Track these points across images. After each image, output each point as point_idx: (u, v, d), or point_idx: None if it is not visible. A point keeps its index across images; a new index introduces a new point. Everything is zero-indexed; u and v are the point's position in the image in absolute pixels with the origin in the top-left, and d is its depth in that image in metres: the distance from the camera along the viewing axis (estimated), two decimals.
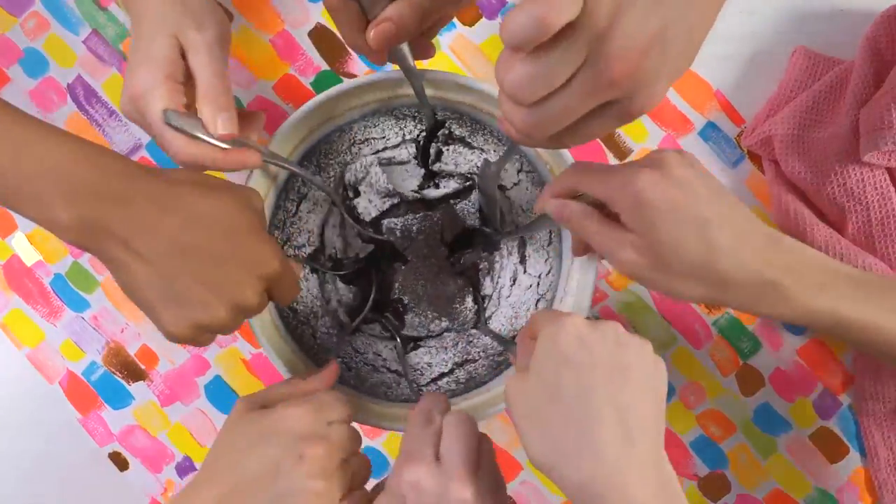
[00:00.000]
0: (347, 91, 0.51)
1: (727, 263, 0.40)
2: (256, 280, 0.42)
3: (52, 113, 0.64)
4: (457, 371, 0.56)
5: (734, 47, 0.63)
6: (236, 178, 0.49)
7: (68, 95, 0.64)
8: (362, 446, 0.48)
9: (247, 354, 0.65)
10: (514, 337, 0.56)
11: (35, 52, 0.64)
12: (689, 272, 0.40)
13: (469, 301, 0.56)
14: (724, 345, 0.64)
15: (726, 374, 0.64)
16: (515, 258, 0.57)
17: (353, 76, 0.65)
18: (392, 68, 0.64)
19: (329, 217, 0.56)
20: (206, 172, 0.44)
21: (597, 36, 0.30)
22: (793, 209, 0.60)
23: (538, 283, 0.56)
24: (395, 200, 0.56)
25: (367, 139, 0.55)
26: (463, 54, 0.64)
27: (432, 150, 0.55)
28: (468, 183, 0.56)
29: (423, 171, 0.56)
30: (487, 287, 0.58)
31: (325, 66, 0.64)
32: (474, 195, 0.56)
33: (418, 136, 0.55)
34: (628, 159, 0.64)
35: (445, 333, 0.57)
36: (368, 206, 0.55)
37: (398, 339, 0.56)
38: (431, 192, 0.56)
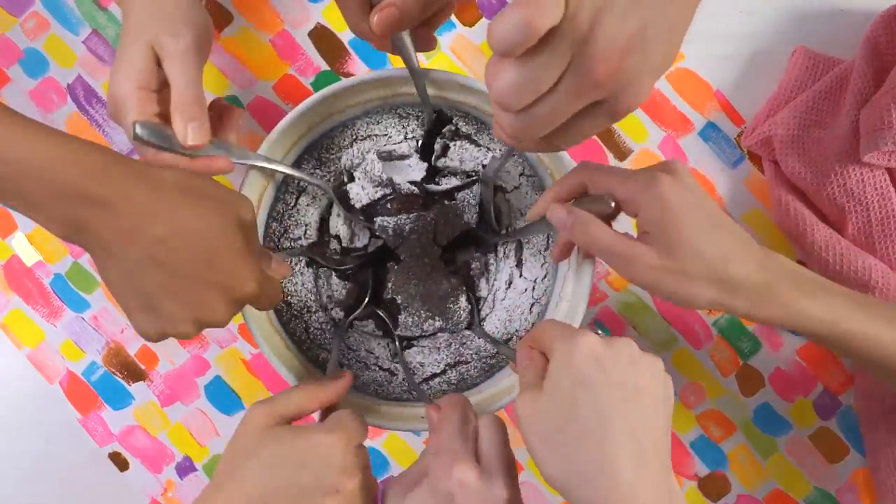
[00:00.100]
0: (348, 88, 0.51)
1: (738, 267, 0.41)
2: (228, 302, 0.42)
3: (52, 113, 0.64)
4: (449, 372, 0.56)
5: (734, 47, 0.63)
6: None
7: (68, 95, 0.64)
8: None
9: (247, 355, 0.65)
10: (507, 340, 0.56)
11: (35, 52, 0.64)
12: (704, 276, 0.41)
13: (463, 301, 0.56)
14: (724, 345, 0.64)
15: (726, 374, 0.64)
16: (512, 261, 0.57)
17: (352, 76, 0.65)
18: (392, 66, 0.65)
19: (333, 207, 0.56)
20: (197, 173, 0.43)
21: (579, 39, 0.31)
22: (793, 209, 0.60)
23: (533, 288, 0.56)
24: (388, 191, 0.55)
25: (369, 135, 0.55)
26: (463, 54, 0.64)
27: (438, 146, 0.55)
28: (471, 179, 0.56)
29: (425, 165, 0.55)
30: (483, 289, 0.58)
31: (324, 66, 0.64)
32: (476, 188, 0.56)
33: (422, 134, 0.55)
34: (628, 159, 0.64)
35: (439, 334, 0.57)
36: (361, 192, 0.54)
37: (396, 339, 0.56)
38: (433, 186, 0.56)
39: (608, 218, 0.45)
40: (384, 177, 0.54)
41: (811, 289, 0.43)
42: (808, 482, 0.64)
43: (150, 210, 0.38)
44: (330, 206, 0.56)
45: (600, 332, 0.62)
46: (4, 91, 0.64)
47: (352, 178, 0.55)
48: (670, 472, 0.38)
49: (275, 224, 0.55)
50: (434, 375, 0.56)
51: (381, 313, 0.56)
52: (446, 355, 0.56)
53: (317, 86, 0.65)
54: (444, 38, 0.64)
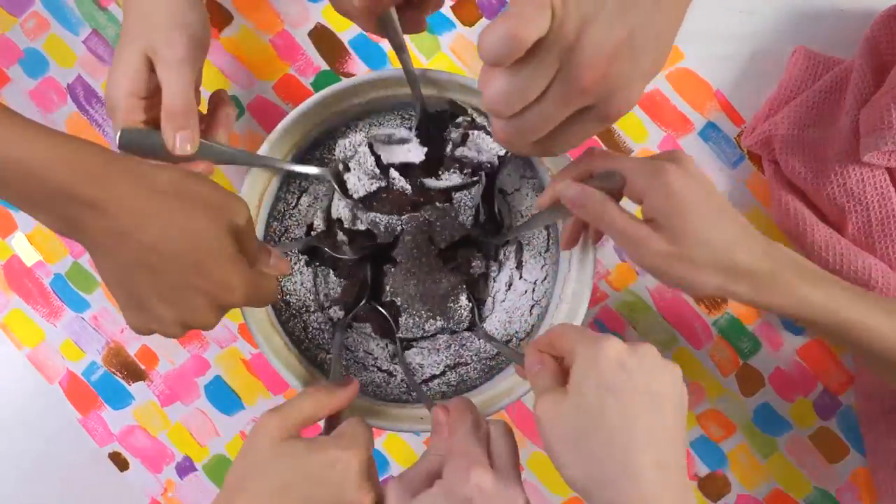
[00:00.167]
0: (347, 89, 0.50)
1: (743, 255, 0.42)
2: (214, 308, 0.42)
3: (52, 113, 0.64)
4: (448, 373, 0.56)
5: (734, 47, 0.63)
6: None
7: (68, 95, 0.64)
8: None
9: (247, 355, 0.65)
10: (507, 342, 0.56)
11: (35, 52, 0.64)
12: (710, 262, 0.42)
13: (463, 299, 0.56)
14: (724, 345, 0.64)
15: (726, 374, 0.64)
16: (512, 263, 0.57)
17: (352, 76, 0.65)
18: (392, 66, 0.65)
19: (335, 193, 0.56)
20: (194, 173, 0.43)
21: (566, 48, 0.32)
22: (793, 209, 0.60)
23: (533, 290, 0.56)
24: (383, 183, 0.54)
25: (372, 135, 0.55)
26: (463, 54, 0.64)
27: (457, 135, 0.54)
28: (474, 178, 0.55)
29: (424, 150, 0.54)
30: (482, 290, 0.58)
31: (324, 66, 0.64)
32: (475, 190, 0.55)
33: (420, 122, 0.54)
34: None
35: (439, 335, 0.57)
36: (357, 183, 0.54)
37: (397, 340, 0.56)
38: (433, 183, 0.55)
39: (616, 196, 0.45)
40: (377, 171, 0.54)
41: (813, 278, 0.44)
42: (808, 482, 0.64)
43: (141, 214, 0.38)
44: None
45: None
46: (4, 91, 0.64)
47: (347, 169, 0.55)
48: (687, 479, 0.39)
49: (276, 223, 0.55)
50: (433, 377, 0.56)
51: (381, 309, 0.56)
52: (446, 357, 0.56)
53: (317, 86, 0.65)
54: (445, 38, 0.64)
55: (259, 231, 0.53)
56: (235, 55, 0.64)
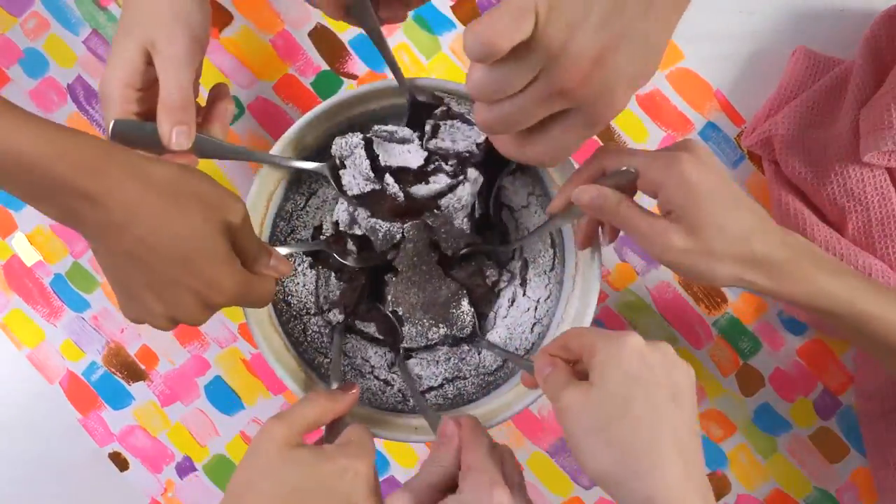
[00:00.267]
0: (349, 100, 0.51)
1: (761, 244, 0.42)
2: (202, 306, 0.42)
3: (52, 113, 0.64)
4: (446, 386, 0.56)
5: (734, 47, 0.63)
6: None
7: (68, 95, 0.64)
8: None
9: (247, 355, 0.65)
10: (506, 360, 0.56)
11: (35, 52, 0.64)
12: (728, 253, 0.42)
13: (465, 305, 0.55)
14: (724, 345, 0.64)
15: (726, 374, 0.64)
16: (517, 280, 0.57)
17: (353, 76, 0.65)
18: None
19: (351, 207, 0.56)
20: (192, 169, 0.43)
21: (550, 52, 0.32)
22: (793, 209, 0.60)
23: (536, 308, 0.56)
24: (377, 186, 0.53)
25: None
26: (463, 54, 0.64)
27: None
28: (456, 180, 0.55)
29: (424, 154, 0.54)
30: (487, 303, 0.57)
31: (325, 67, 0.64)
32: (461, 189, 0.54)
33: (428, 131, 0.54)
34: None
35: (439, 347, 0.56)
36: (352, 181, 0.54)
37: (400, 349, 0.56)
38: (420, 190, 0.54)
39: (630, 190, 0.45)
40: (371, 174, 0.53)
41: (830, 268, 0.44)
42: (808, 482, 0.64)
43: (134, 208, 0.38)
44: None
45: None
46: (4, 91, 0.64)
47: (343, 166, 0.54)
48: (705, 472, 0.39)
49: (282, 223, 0.55)
50: (431, 389, 0.56)
51: (383, 309, 0.56)
52: (445, 369, 0.56)
53: (317, 86, 0.65)
54: (444, 38, 0.64)
55: (266, 230, 0.53)
56: (236, 55, 0.64)
